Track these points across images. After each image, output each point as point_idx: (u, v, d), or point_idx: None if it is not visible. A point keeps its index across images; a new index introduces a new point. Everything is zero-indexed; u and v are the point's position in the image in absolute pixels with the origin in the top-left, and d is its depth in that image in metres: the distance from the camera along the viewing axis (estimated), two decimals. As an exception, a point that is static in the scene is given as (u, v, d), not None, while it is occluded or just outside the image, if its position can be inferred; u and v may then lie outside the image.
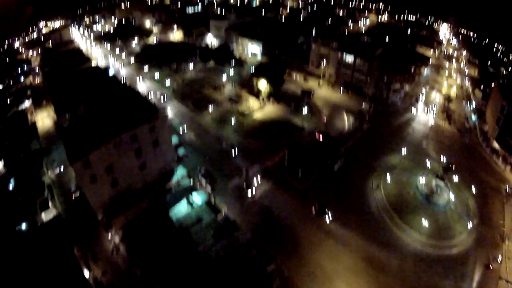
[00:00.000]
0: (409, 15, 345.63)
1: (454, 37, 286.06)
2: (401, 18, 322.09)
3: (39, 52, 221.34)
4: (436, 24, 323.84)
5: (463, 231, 69.18)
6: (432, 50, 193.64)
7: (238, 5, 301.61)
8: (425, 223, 67.48)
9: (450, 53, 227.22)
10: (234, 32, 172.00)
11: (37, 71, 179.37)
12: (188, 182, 75.81)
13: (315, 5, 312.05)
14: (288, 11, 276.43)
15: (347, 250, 63.93)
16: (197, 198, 71.10)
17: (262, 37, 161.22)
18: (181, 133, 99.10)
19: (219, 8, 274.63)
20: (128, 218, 66.96)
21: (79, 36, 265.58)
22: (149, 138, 68.55)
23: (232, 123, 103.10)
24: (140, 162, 69.21)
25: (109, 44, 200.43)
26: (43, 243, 59.64)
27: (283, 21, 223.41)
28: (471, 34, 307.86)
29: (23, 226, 65.24)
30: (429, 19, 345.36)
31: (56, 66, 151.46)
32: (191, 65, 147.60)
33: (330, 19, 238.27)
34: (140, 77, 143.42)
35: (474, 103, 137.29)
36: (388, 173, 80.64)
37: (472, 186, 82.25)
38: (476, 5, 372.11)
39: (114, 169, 64.26)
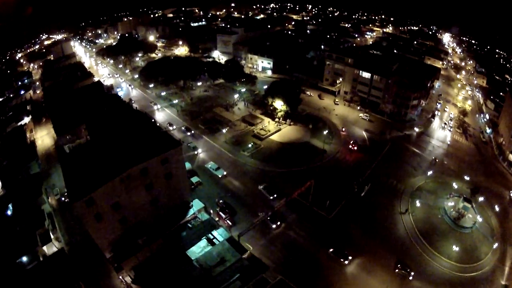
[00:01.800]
0: (412, 26, 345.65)
1: (458, 46, 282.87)
2: (405, 29, 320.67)
3: (41, 65, 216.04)
4: (439, 33, 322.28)
5: (488, 252, 66.54)
6: (440, 61, 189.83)
7: (243, 18, 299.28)
8: (454, 248, 64.71)
9: (457, 63, 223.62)
10: (243, 48, 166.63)
11: (37, 84, 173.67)
12: (206, 216, 68.56)
13: (319, 18, 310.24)
14: (293, 24, 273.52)
15: (379, 285, 58.69)
16: (218, 235, 63.87)
17: (272, 52, 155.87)
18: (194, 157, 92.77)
19: (223, 23, 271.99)
20: (140, 259, 59.62)
21: (81, 50, 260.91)
22: (162, 171, 60.74)
23: (248, 146, 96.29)
24: (152, 197, 61.98)
25: (111, 60, 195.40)
26: (45, 280, 52.27)
27: (289, 34, 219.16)
28: (473, 41, 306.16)
29: (24, 259, 58.88)
30: (431, 28, 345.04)
31: (57, 82, 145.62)
32: (199, 82, 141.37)
33: (336, 32, 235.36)
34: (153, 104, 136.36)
35: (487, 115, 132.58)
36: (415, 197, 77.19)
37: (495, 205, 79.40)
38: (476, 13, 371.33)
39: (122, 206, 56.73)
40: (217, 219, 70.16)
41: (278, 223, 69.76)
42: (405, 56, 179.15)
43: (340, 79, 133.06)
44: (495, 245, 67.69)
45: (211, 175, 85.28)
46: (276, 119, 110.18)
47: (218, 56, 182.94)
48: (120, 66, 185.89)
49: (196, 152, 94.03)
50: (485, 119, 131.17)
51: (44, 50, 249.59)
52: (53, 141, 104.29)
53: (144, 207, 61.13)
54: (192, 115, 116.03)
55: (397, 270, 60.71)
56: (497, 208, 78.71)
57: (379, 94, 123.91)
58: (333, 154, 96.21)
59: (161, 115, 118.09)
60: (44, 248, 63.65)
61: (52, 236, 66.17)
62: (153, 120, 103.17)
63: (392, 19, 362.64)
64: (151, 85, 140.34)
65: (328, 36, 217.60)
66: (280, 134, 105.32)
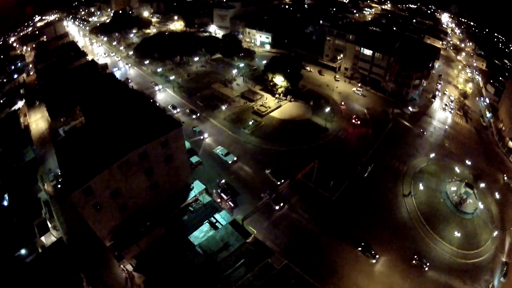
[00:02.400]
0: (410, 4, 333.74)
1: (456, 27, 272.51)
2: (403, 7, 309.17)
3: (34, 47, 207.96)
4: (437, 13, 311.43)
5: (487, 238, 64.76)
6: (440, 41, 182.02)
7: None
8: (455, 233, 62.95)
9: (456, 44, 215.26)
10: (240, 22, 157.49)
11: (30, 67, 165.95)
12: (208, 199, 63.98)
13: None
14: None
15: (385, 270, 56.39)
16: (221, 218, 59.57)
17: (270, 27, 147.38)
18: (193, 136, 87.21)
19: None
20: (141, 247, 55.45)
21: (74, 29, 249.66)
22: (162, 154, 55.50)
23: (249, 124, 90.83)
24: (152, 182, 56.92)
25: (105, 37, 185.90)
26: (44, 272, 48.65)
27: (287, 9, 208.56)
28: (472, 23, 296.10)
29: (23, 251, 55.07)
30: (430, 7, 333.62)
31: (50, 63, 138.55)
32: (196, 57, 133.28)
33: (334, 7, 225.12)
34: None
35: (487, 99, 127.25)
36: (417, 179, 74.38)
37: (495, 191, 77.12)
38: None
39: (121, 193, 51.70)
40: (218, 200, 65.79)
41: (281, 204, 65.60)
42: (405, 34, 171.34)
43: (341, 56, 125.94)
44: (495, 233, 65.82)
45: (211, 155, 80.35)
46: (276, 95, 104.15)
47: (215, 30, 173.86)
48: (115, 43, 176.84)
49: (202, 137, 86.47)
50: (485, 103, 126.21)
51: (37, 32, 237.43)
52: (47, 124, 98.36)
53: (144, 193, 56.33)
54: (190, 91, 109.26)
55: (414, 262, 57.69)
56: (497, 195, 75.78)
57: (380, 72, 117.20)
58: (335, 132, 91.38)
59: (162, 95, 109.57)
60: (42, 238, 59.66)
61: (49, 225, 61.91)
62: (151, 101, 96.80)
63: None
64: (147, 62, 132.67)
65: (326, 11, 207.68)
66: (280, 110, 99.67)
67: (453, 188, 72.10)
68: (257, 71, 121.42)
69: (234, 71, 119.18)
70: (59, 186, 70.88)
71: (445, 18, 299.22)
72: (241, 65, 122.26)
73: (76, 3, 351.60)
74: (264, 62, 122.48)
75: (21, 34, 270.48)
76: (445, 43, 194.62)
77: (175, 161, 58.34)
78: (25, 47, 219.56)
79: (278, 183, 70.46)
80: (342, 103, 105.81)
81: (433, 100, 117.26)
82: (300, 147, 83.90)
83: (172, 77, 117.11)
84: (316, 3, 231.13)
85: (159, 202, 59.44)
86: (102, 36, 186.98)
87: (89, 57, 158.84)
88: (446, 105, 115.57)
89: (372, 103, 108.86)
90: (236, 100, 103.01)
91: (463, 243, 61.74)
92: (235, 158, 77.45)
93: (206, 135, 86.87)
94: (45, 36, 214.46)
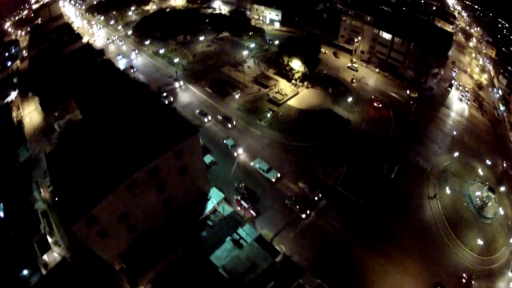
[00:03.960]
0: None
1: (463, 10, 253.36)
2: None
3: (28, 31, 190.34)
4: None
5: (505, 244, 59.77)
6: (450, 24, 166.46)
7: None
8: (477, 240, 57.36)
9: (465, 28, 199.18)
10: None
11: (24, 53, 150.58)
12: (228, 210, 52.94)
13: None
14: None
15: (411, 279, 50.10)
16: (245, 234, 48.79)
17: (280, 4, 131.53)
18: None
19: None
20: (157, 271, 44.85)
21: (69, 10, 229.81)
22: (175, 166, 44.50)
23: (266, 115, 78.58)
24: (164, 197, 45.89)
25: (102, 16, 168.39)
26: None
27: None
28: (477, 7, 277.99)
29: (25, 272, 47.39)
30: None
31: (43, 48, 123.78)
32: (201, 36, 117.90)
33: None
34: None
35: (500, 91, 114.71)
36: (442, 180, 68.14)
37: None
38: None
39: (130, 214, 40.91)
40: (238, 209, 55.24)
41: (308, 212, 56.09)
42: (416, 15, 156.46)
43: (359, 38, 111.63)
44: None
45: (224, 150, 68.87)
46: (293, 81, 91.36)
47: (219, 6, 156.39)
48: (112, 22, 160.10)
49: (235, 154, 67.76)
50: (498, 95, 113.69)
51: (32, 15, 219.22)
52: (42, 117, 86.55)
53: (155, 210, 45.71)
54: (196, 75, 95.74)
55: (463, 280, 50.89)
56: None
57: (399, 57, 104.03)
58: (357, 124, 79.92)
59: (186, 95, 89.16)
60: (45, 257, 50.31)
61: (50, 240, 52.35)
62: (165, 97, 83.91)
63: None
64: (147, 42, 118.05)
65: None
66: (298, 98, 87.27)
67: (477, 192, 66.29)
68: (269, 52, 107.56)
69: (245, 52, 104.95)
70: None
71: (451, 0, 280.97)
72: (252, 45, 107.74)
73: None
74: (277, 42, 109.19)
75: (16, 18, 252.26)
76: (454, 26, 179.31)
77: (191, 170, 47.00)
78: (19, 31, 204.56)
79: (313, 194, 59.57)
80: (353, 80, 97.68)
81: (450, 89, 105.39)
82: (323, 142, 72.93)
83: (176, 60, 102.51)
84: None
85: (172, 215, 48.42)
86: (98, 15, 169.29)
87: (86, 39, 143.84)
88: (462, 95, 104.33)
89: (393, 92, 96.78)
90: (249, 86, 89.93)
91: (482, 249, 56.74)
92: (279, 175, 62.58)
93: (240, 150, 67.52)
94: (40, 19, 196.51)
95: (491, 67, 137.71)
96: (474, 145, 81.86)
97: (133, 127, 45.75)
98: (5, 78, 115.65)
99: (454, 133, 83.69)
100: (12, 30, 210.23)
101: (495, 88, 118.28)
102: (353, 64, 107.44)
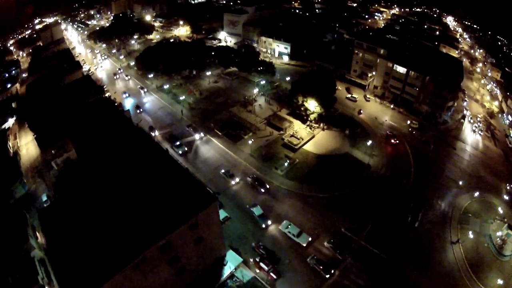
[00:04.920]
0: (415, 7, 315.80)
1: (464, 32, 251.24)
2: (411, 11, 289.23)
3: (30, 52, 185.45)
4: (443, 17, 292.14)
5: None
6: (455, 50, 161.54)
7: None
8: (497, 280, 53.51)
9: (468, 51, 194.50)
10: (254, 29, 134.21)
11: (24, 76, 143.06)
12: (248, 275, 43.90)
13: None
14: (299, 2, 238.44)
15: None
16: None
17: (288, 35, 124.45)
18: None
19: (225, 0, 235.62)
20: None
21: (71, 33, 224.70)
22: (190, 238, 36.52)
23: (281, 163, 69.26)
24: (176, 269, 37.32)
25: (104, 44, 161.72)
26: None
27: (302, 14, 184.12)
28: (476, 26, 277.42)
29: None
30: (434, 10, 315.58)
31: (41, 75, 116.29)
32: (208, 72, 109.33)
33: (345, 12, 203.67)
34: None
35: (509, 116, 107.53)
36: (463, 222, 64.17)
37: None
38: None
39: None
40: (257, 271, 48.31)
41: (332, 271, 49.45)
42: (421, 42, 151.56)
43: (373, 73, 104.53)
44: None
45: (242, 207, 59.39)
46: (308, 123, 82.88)
47: (225, 37, 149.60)
48: (114, 51, 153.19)
49: (264, 225, 56.45)
50: (508, 120, 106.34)
51: (35, 35, 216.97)
52: (39, 151, 77.65)
53: (167, 282, 38.85)
54: (204, 115, 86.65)
55: None
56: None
57: (413, 91, 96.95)
58: (378, 168, 71.77)
59: (205, 148, 76.00)
60: None
61: None
62: (177, 146, 74.80)
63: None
64: (151, 75, 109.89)
65: (339, 16, 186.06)
66: (314, 142, 78.37)
67: (498, 233, 62.43)
68: (280, 88, 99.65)
69: (255, 91, 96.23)
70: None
71: (450, 21, 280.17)
72: (262, 82, 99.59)
73: (76, 5, 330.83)
74: (288, 78, 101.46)
75: (19, 37, 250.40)
76: (459, 51, 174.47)
77: (207, 240, 38.80)
78: (21, 52, 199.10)
79: (340, 256, 52.12)
80: (361, 111, 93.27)
81: (463, 121, 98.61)
82: (343, 192, 64.51)
83: (182, 97, 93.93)
84: (327, 7, 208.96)
85: (185, 284, 38.95)
86: (100, 42, 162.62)
87: (86, 67, 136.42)
88: (476, 126, 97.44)
89: (409, 129, 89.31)
90: (262, 128, 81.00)
91: (501, 288, 52.28)
92: (310, 239, 54.16)
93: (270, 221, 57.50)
94: (41, 41, 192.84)
95: (498, 91, 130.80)
96: (490, 179, 76.22)
97: (141, 190, 38.48)
98: (3, 102, 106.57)
99: (471, 168, 78.18)
100: (14, 50, 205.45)
101: (504, 114, 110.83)
102: (352, 95, 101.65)
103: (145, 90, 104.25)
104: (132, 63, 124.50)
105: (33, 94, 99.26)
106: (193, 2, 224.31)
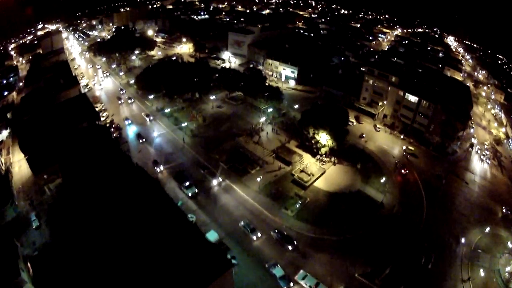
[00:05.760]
0: (416, 28, 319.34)
1: (466, 52, 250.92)
2: (413, 31, 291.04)
3: (30, 59, 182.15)
4: (445, 38, 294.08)
5: None
6: (460, 72, 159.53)
7: (248, 13, 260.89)
8: None
9: (471, 73, 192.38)
10: (260, 51, 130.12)
11: (21, 85, 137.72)
12: None
13: (327, 16, 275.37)
14: (303, 22, 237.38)
15: None
16: None
17: (295, 58, 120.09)
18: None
19: (228, 17, 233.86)
20: None
21: (72, 43, 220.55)
22: None
23: (292, 203, 63.63)
24: None
25: (104, 57, 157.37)
26: None
27: (307, 35, 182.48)
28: (476, 45, 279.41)
29: None
30: (435, 30, 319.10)
31: (37, 89, 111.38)
32: (212, 96, 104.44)
33: (349, 33, 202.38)
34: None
35: None
36: (473, 259, 61.77)
37: None
38: (476, 15, 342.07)
39: None
40: None
41: None
42: (426, 66, 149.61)
43: (384, 102, 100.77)
44: None
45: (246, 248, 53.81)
46: (318, 156, 78.08)
47: (229, 58, 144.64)
48: (114, 66, 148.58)
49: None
50: None
51: (35, 42, 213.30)
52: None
53: None
54: (208, 144, 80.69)
55: None
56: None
57: (423, 121, 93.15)
58: (390, 206, 67.26)
59: (228, 198, 66.08)
60: None
61: None
62: (187, 187, 66.71)
63: (395, 19, 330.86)
64: (151, 97, 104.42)
65: (344, 38, 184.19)
66: (325, 178, 73.06)
67: (507, 268, 60.74)
68: (287, 116, 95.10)
69: (262, 120, 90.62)
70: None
71: (451, 41, 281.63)
72: (269, 110, 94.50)
73: (79, 13, 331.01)
74: (296, 106, 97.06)
75: (21, 41, 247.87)
76: (463, 74, 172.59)
77: None
78: (21, 58, 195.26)
79: None
80: (363, 135, 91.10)
81: (471, 149, 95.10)
82: (356, 234, 59.76)
83: (184, 123, 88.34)
84: (331, 28, 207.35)
85: None
86: (101, 56, 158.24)
87: (84, 81, 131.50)
88: (483, 154, 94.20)
89: (421, 162, 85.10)
90: (269, 162, 75.65)
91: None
92: None
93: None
94: (41, 49, 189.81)
95: (503, 115, 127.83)
96: (499, 210, 73.13)
97: (140, 251, 32.98)
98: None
99: (480, 201, 74.99)
100: (15, 55, 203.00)
101: (510, 140, 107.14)
102: (377, 127, 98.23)
103: (151, 118, 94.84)
104: (132, 81, 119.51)
105: (27, 109, 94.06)
106: (196, 18, 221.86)
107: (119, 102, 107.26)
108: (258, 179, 67.49)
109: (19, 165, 77.04)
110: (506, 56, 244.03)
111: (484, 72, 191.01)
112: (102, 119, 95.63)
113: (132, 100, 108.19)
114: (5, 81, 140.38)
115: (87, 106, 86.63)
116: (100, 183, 49.22)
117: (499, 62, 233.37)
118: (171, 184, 68.37)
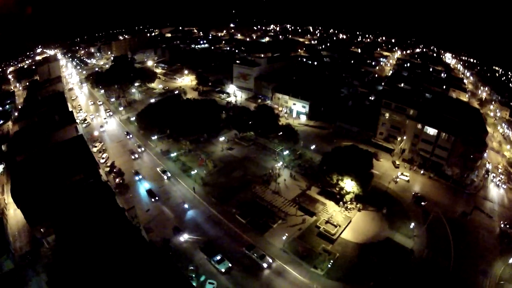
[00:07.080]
0: (413, 47, 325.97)
1: (465, 69, 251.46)
2: (411, 51, 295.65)
3: (27, 85, 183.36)
4: (442, 56, 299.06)
5: None
6: (465, 93, 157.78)
7: (248, 41, 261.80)
8: None
9: (474, 91, 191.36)
10: (268, 84, 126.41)
11: (17, 114, 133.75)
12: None
13: (327, 42, 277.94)
14: (305, 50, 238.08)
15: None
16: None
17: (304, 92, 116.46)
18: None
19: (228, 46, 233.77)
20: None
21: (70, 71, 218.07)
22: None
23: (320, 259, 57.97)
24: None
25: (102, 90, 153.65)
26: None
27: (311, 64, 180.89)
28: (472, 60, 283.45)
29: None
30: (432, 48, 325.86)
31: (30, 124, 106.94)
32: (221, 137, 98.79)
33: (351, 59, 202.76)
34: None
35: None
36: None
37: None
38: (469, 30, 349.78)
39: None
40: None
41: None
42: (431, 89, 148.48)
43: (404, 137, 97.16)
44: None
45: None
46: (342, 203, 73.16)
47: (234, 91, 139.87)
48: (113, 99, 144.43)
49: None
50: None
51: (33, 67, 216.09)
52: None
53: None
54: (221, 194, 74.05)
55: None
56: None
57: (442, 153, 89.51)
58: (420, 253, 63.03)
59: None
60: None
61: None
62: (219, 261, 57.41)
63: (393, 40, 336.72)
64: (154, 137, 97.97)
65: (348, 65, 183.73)
66: (352, 227, 67.37)
67: None
68: (303, 158, 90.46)
69: (278, 165, 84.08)
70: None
71: (449, 58, 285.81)
72: (285, 152, 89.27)
73: (78, 39, 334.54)
74: (313, 147, 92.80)
75: (19, 66, 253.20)
76: (468, 94, 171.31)
77: None
78: (18, 84, 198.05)
79: None
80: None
81: (487, 176, 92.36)
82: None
83: (193, 171, 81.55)
84: (334, 55, 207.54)
85: None
86: (99, 87, 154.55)
87: (82, 114, 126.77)
88: (499, 180, 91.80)
89: (444, 199, 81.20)
90: (291, 213, 69.87)
91: None
92: None
93: None
94: (38, 76, 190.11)
95: (510, 134, 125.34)
96: None
97: None
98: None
99: (499, 229, 72.49)
100: (12, 79, 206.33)
101: None
102: (403, 173, 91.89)
103: (169, 174, 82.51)
104: (133, 118, 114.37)
105: (20, 147, 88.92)
106: (196, 48, 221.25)
107: (132, 157, 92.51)
108: (284, 237, 61.55)
109: (15, 207, 70.48)
110: (503, 67, 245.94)
111: (486, 88, 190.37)
112: (102, 161, 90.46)
113: (143, 149, 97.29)
114: (1, 108, 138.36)
115: (84, 152, 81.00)
116: (98, 254, 43.74)
117: (497, 74, 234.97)
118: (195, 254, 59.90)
